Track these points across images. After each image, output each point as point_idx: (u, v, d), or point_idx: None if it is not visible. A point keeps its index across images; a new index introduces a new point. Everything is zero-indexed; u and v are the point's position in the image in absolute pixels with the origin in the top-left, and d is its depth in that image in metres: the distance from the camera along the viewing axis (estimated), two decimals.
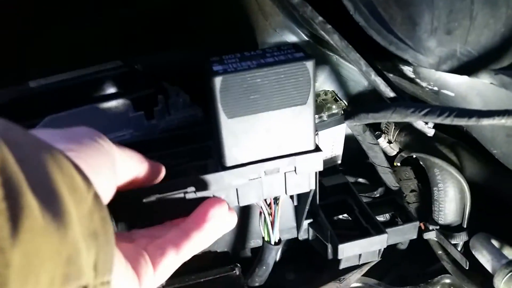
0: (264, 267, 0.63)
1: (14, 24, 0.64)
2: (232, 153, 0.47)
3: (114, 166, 0.36)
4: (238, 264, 0.64)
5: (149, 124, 0.66)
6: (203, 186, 0.47)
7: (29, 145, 0.26)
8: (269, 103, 0.45)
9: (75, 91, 0.67)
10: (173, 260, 0.39)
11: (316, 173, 0.52)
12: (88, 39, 0.68)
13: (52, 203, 0.25)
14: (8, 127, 0.26)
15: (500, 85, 0.48)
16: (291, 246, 0.78)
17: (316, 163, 0.50)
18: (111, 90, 0.68)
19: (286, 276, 0.77)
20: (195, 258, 0.46)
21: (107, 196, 0.35)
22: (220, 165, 0.48)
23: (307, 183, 0.52)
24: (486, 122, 0.45)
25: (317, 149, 0.50)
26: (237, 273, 0.63)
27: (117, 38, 0.70)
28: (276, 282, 0.74)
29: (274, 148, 0.48)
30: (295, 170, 0.50)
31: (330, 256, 0.64)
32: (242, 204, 0.51)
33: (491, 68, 0.48)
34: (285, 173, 0.50)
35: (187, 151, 0.55)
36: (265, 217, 0.56)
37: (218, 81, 0.43)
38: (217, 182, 0.47)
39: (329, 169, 0.79)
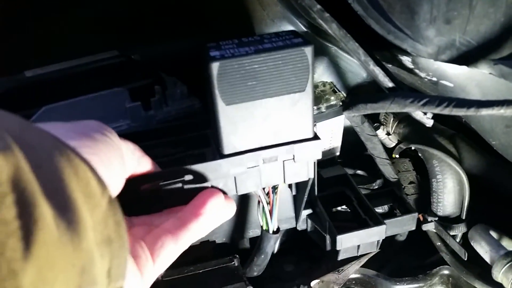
0: (263, 256, 0.63)
1: (10, 13, 0.64)
2: (230, 141, 0.47)
3: (123, 161, 0.36)
4: (237, 255, 0.64)
5: (146, 114, 0.65)
6: (201, 174, 0.47)
7: (45, 147, 0.26)
8: (267, 90, 0.44)
9: (71, 81, 0.66)
10: (172, 250, 0.39)
11: (314, 161, 0.52)
12: (85, 29, 0.67)
13: (66, 212, 0.24)
14: (24, 127, 0.26)
15: (499, 75, 0.47)
16: (290, 238, 0.78)
17: (314, 151, 0.49)
18: (108, 80, 0.68)
19: (285, 267, 0.77)
20: (194, 248, 0.46)
21: (116, 190, 0.35)
22: (218, 153, 0.48)
23: (305, 171, 0.52)
24: (485, 112, 0.45)
25: (315, 137, 0.49)
26: (236, 264, 0.63)
27: (114, 28, 0.69)
28: (274, 273, 0.74)
29: (272, 136, 0.48)
30: (293, 159, 0.49)
31: (328, 247, 0.64)
32: (240, 193, 0.50)
33: (490, 58, 0.48)
34: (283, 161, 0.50)
35: (185, 139, 0.55)
36: (263, 206, 0.55)
37: (215, 67, 0.42)
38: (215, 170, 0.47)
39: (328, 161, 0.78)
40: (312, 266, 0.77)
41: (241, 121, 0.46)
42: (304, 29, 0.71)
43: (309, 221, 0.67)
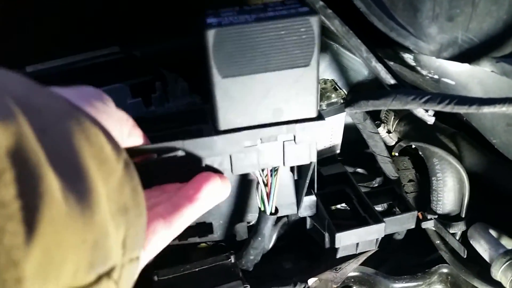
0: (260, 238, 0.60)
1: (11, 9, 0.64)
2: (225, 116, 0.43)
3: (122, 132, 0.35)
4: (233, 251, 0.63)
5: (147, 111, 0.65)
6: (195, 150, 0.44)
7: (52, 110, 0.24)
8: (267, 63, 0.41)
9: (72, 77, 0.66)
10: (164, 236, 0.37)
11: (316, 143, 0.49)
12: (86, 24, 0.67)
13: (77, 182, 0.22)
14: (32, 89, 0.24)
15: (501, 73, 0.47)
16: (289, 235, 0.78)
17: (317, 132, 0.46)
18: (109, 76, 0.68)
19: (283, 265, 0.77)
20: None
21: None
22: (213, 129, 0.45)
23: (307, 154, 0.48)
24: (486, 109, 0.45)
25: (319, 117, 0.45)
26: (232, 261, 0.62)
27: (115, 25, 0.69)
28: (273, 270, 0.74)
29: (272, 113, 0.44)
30: (294, 139, 0.46)
31: (327, 245, 0.64)
32: (236, 173, 0.48)
33: (493, 55, 0.48)
34: (283, 142, 0.47)
35: (182, 115, 0.53)
36: (261, 188, 0.53)
37: (211, 34, 0.38)
38: (209, 147, 0.44)
39: (328, 159, 0.78)
40: (311, 264, 0.77)
41: (239, 96, 0.42)
42: None
43: (308, 218, 0.67)
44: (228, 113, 0.43)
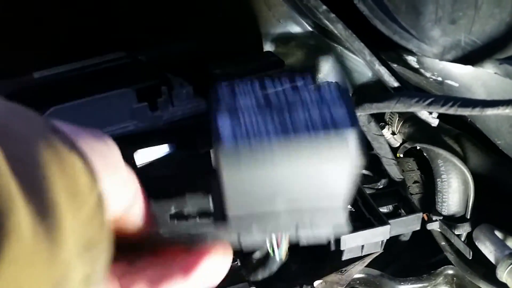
0: (267, 270, 0.61)
1: (18, 16, 0.64)
2: (235, 208, 0.38)
3: (125, 193, 0.30)
4: (239, 255, 0.63)
5: (152, 115, 0.66)
6: (200, 230, 0.39)
7: (31, 136, 0.23)
8: (288, 168, 0.34)
9: (79, 82, 0.67)
10: None
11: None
12: (92, 30, 0.68)
13: (46, 216, 0.21)
14: (11, 113, 0.23)
15: (504, 75, 0.48)
16: None
17: (338, 220, 0.36)
18: (115, 81, 0.68)
19: (289, 267, 0.77)
20: None
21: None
22: (220, 212, 0.39)
23: (324, 235, 0.43)
24: (490, 112, 0.45)
25: (343, 205, 0.36)
26: (238, 264, 0.63)
27: (120, 30, 0.70)
28: (279, 272, 0.74)
29: (288, 203, 0.37)
30: (311, 226, 0.39)
31: (333, 247, 0.64)
32: (245, 251, 0.46)
33: (496, 57, 0.48)
34: (297, 226, 0.39)
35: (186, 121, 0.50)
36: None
37: (223, 152, 0.33)
38: (215, 229, 0.39)
39: None
40: (316, 266, 0.77)
41: (251, 193, 0.36)
42: (310, 29, 0.72)
43: None
44: (238, 205, 0.38)
